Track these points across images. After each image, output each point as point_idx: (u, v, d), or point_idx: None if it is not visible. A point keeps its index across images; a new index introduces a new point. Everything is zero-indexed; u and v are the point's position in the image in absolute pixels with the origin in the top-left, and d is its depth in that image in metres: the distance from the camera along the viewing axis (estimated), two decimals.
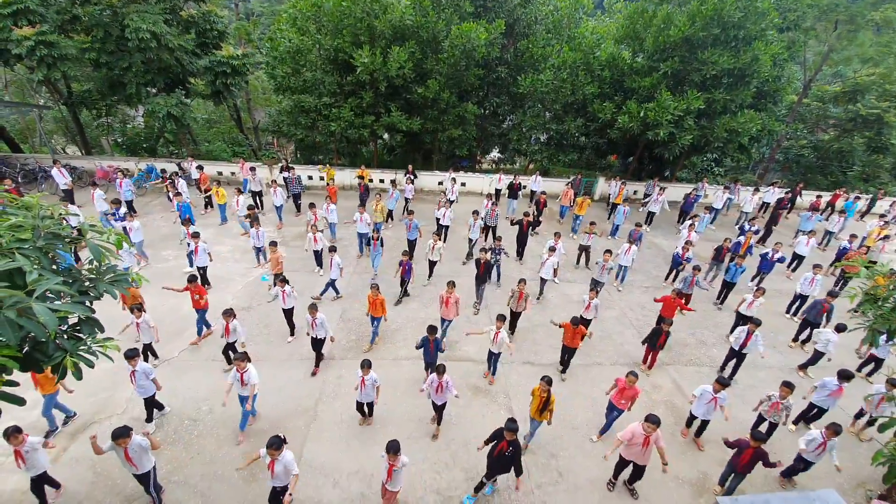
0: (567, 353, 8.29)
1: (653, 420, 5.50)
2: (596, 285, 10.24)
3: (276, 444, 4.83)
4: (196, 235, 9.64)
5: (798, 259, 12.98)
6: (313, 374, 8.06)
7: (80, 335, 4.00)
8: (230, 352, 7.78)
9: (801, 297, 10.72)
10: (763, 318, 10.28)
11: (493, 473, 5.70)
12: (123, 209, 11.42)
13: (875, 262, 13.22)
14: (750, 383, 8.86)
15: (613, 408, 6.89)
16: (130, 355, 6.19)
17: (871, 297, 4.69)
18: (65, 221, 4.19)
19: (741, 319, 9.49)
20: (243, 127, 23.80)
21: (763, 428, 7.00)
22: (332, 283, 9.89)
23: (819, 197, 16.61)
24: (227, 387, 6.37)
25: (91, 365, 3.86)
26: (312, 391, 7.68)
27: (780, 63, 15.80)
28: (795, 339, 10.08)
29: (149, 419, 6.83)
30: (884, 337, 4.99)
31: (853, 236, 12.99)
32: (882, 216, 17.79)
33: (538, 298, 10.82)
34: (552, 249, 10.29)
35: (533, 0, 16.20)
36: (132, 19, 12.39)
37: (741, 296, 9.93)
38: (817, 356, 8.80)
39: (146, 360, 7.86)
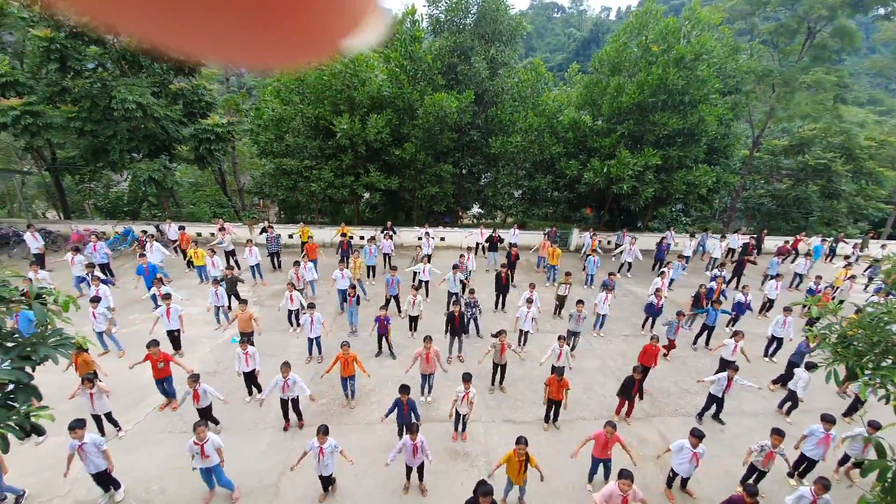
0: (553, 406, 8.07)
1: (627, 476, 5.21)
2: (571, 335, 10.31)
3: None
4: (167, 297, 9.35)
5: (769, 302, 13.33)
6: (285, 428, 7.77)
7: (13, 403, 3.75)
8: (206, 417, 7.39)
9: (776, 340, 10.84)
10: (742, 362, 10.34)
11: None
12: (98, 273, 11.21)
13: (842, 302, 13.67)
14: (737, 432, 8.62)
15: (598, 461, 6.64)
16: (75, 426, 5.69)
17: (825, 335, 4.77)
18: (9, 283, 4.10)
19: (725, 365, 9.48)
20: (227, 190, 24.29)
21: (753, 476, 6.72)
22: (314, 342, 9.65)
23: (786, 242, 17.45)
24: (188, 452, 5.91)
25: (21, 437, 3.58)
26: (276, 464, 7.13)
27: (726, 122, 17.36)
28: (776, 382, 10.03)
29: (106, 489, 6.27)
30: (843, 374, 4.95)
31: (818, 278, 13.49)
32: (846, 257, 18.64)
33: (522, 348, 10.68)
34: (529, 301, 10.32)
35: (499, 73, 17.80)
36: (119, 91, 13.04)
37: (720, 341, 9.95)
38: (792, 395, 8.73)
39: (102, 431, 7.30)
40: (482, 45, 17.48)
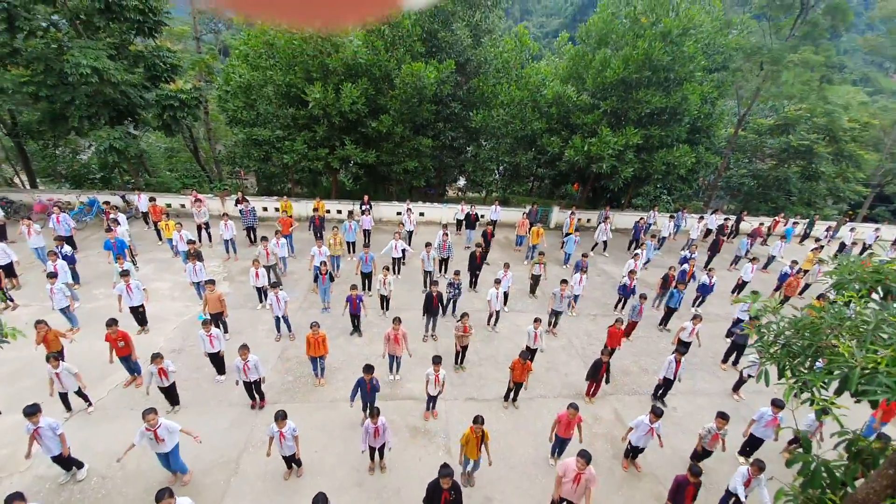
0: (515, 388, 8.33)
1: (584, 456, 5.45)
2: (554, 315, 10.62)
3: (163, 496, 4.57)
4: (126, 274, 9.16)
5: (743, 284, 13.52)
6: (260, 407, 7.95)
7: None
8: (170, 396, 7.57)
9: (740, 322, 11.14)
10: (704, 343, 10.63)
11: None
12: (67, 248, 10.89)
13: (808, 286, 13.91)
14: (689, 410, 9.01)
15: (561, 440, 6.98)
16: (30, 412, 5.66)
17: (762, 333, 4.84)
18: None
19: (683, 346, 9.77)
20: (201, 158, 23.40)
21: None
22: (282, 320, 9.64)
23: (761, 224, 17.64)
24: (128, 447, 5.91)
25: None
26: (238, 440, 7.27)
27: (711, 101, 17.06)
28: (724, 361, 10.42)
29: (67, 469, 6.38)
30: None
31: (794, 262, 13.73)
32: (817, 240, 19.00)
33: (494, 328, 10.86)
34: (497, 282, 10.36)
35: (483, 42, 17.03)
36: (73, 54, 12.15)
37: (681, 323, 10.20)
38: (744, 378, 9.12)
39: (68, 407, 7.39)
40: (465, 9, 16.60)
